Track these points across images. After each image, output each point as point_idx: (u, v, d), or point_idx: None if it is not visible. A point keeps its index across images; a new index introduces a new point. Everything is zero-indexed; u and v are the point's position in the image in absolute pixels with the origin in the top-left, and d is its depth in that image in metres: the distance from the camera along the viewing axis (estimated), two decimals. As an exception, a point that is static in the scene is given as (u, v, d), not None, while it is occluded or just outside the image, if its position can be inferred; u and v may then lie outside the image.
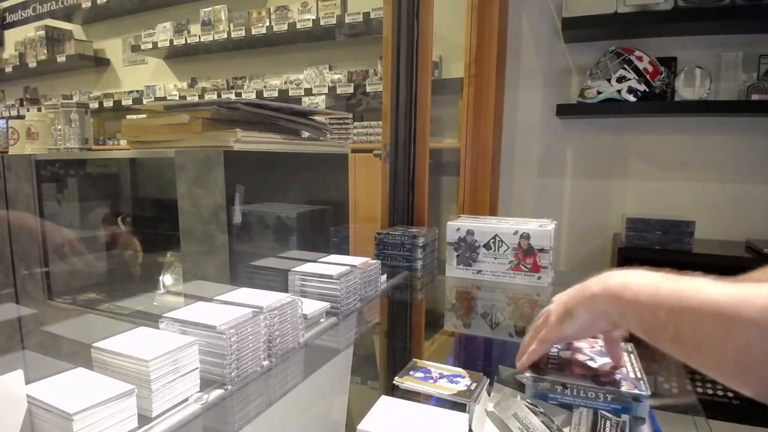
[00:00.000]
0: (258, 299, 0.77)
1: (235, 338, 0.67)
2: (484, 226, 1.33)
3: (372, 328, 1.09)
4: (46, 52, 4.24)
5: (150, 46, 3.72)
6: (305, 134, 1.38)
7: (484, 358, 1.02)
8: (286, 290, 0.99)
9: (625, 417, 0.62)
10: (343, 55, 3.26)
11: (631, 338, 0.84)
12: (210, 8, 3.45)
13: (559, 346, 0.75)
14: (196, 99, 3.53)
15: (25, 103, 4.68)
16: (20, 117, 3.87)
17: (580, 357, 0.74)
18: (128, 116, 2.90)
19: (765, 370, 0.41)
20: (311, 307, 0.90)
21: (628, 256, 1.96)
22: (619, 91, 2.10)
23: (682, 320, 0.47)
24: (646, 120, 2.27)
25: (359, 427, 0.56)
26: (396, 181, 1.73)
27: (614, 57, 2.12)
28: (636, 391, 0.62)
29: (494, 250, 1.30)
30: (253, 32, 3.25)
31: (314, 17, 3.03)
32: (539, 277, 1.25)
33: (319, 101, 3.16)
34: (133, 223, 1.52)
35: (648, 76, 2.08)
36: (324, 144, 1.40)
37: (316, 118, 1.37)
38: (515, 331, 1.12)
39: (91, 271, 1.53)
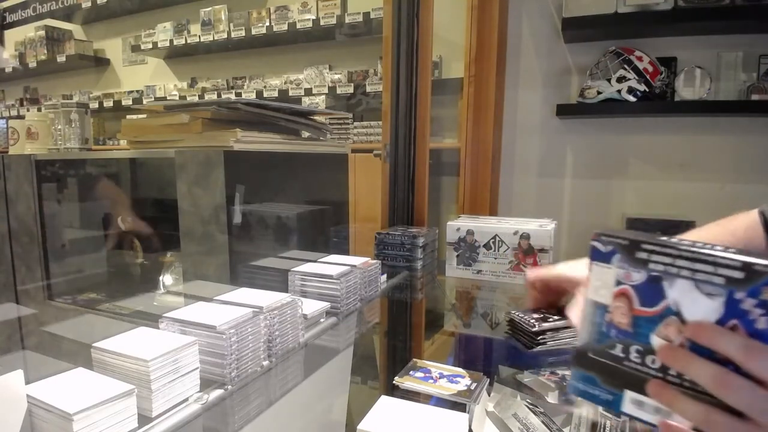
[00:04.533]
0: (258, 299, 0.77)
1: (235, 338, 0.67)
2: (484, 226, 1.33)
3: (372, 328, 1.09)
4: (46, 52, 4.24)
5: (150, 46, 3.72)
6: (305, 134, 1.38)
7: (484, 358, 1.01)
8: (286, 290, 0.99)
9: (625, 417, 0.62)
10: (343, 55, 3.26)
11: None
12: (210, 8, 3.45)
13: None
14: (196, 99, 3.53)
15: (25, 103, 4.67)
16: (20, 117, 3.87)
17: None
18: (128, 116, 2.89)
19: None
20: (311, 307, 0.90)
21: (628, 256, 1.96)
22: (619, 91, 2.10)
23: None
24: (646, 120, 2.26)
25: (359, 427, 0.56)
26: (396, 181, 1.73)
27: (614, 57, 2.11)
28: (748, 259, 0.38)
29: (494, 250, 1.30)
30: (253, 32, 3.25)
31: (314, 17, 3.03)
32: (539, 277, 1.25)
33: (319, 101, 3.15)
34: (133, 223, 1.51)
35: (648, 76, 2.07)
36: (324, 144, 1.40)
37: (316, 118, 1.37)
38: (515, 331, 1.11)
39: (92, 271, 1.53)
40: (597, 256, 0.46)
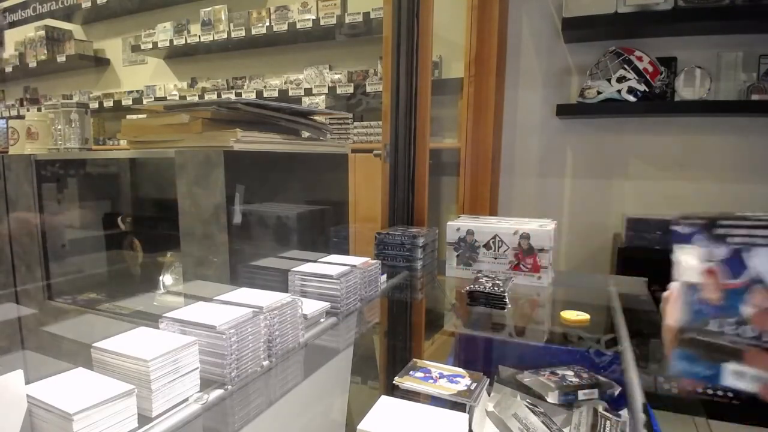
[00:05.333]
0: (258, 299, 0.77)
1: (235, 338, 0.67)
2: (484, 226, 1.33)
3: (372, 328, 1.09)
4: (46, 52, 4.24)
5: (150, 46, 3.72)
6: (305, 134, 1.38)
7: (484, 358, 1.01)
8: (286, 290, 0.99)
9: (625, 417, 0.62)
10: (343, 55, 3.26)
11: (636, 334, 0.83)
12: (210, 8, 3.44)
13: None
14: (196, 99, 3.53)
15: (25, 103, 4.67)
16: (20, 117, 3.87)
17: None
18: (128, 116, 2.89)
19: None
20: (311, 307, 0.90)
21: (628, 256, 1.96)
22: (619, 91, 2.10)
23: None
24: (646, 120, 2.27)
25: (359, 427, 0.56)
26: (396, 181, 1.73)
27: (614, 57, 2.12)
28: None
29: (494, 250, 1.30)
30: (253, 32, 3.25)
31: (314, 17, 3.03)
32: (539, 277, 1.25)
33: (319, 101, 3.15)
34: (133, 223, 1.52)
35: (648, 76, 2.08)
36: (324, 144, 1.40)
37: (316, 118, 1.37)
38: (515, 331, 1.12)
39: (92, 271, 1.53)
40: (679, 239, 0.49)
